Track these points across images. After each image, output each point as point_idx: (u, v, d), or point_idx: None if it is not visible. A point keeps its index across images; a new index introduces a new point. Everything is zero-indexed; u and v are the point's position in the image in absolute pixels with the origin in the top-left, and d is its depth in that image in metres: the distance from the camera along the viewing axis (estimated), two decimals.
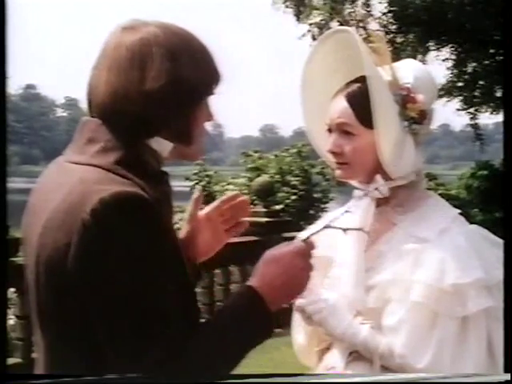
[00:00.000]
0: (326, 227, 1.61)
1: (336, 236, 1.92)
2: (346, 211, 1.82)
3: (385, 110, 1.77)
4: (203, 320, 1.41)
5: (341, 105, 1.82)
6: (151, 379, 1.28)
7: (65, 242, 1.28)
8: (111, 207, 1.27)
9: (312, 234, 1.53)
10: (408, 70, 1.85)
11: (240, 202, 1.68)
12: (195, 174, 17.07)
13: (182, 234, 1.65)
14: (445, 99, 13.55)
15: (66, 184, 1.34)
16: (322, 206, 16.80)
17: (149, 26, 1.42)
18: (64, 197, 1.32)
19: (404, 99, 1.81)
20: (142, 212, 1.30)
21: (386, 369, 1.74)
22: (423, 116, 1.82)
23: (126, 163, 1.36)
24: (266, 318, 1.38)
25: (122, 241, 1.27)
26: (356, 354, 1.79)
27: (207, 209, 1.67)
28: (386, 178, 1.81)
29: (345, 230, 1.62)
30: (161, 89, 1.37)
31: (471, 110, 14.08)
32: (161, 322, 1.29)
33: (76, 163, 1.38)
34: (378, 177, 1.81)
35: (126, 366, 1.27)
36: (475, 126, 14.21)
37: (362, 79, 1.78)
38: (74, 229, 1.28)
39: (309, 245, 1.47)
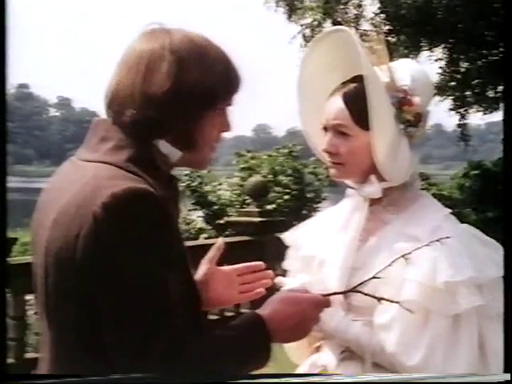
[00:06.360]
0: (353, 291, 1.64)
1: (327, 236, 1.93)
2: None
3: (381, 112, 1.77)
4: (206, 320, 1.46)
5: (337, 105, 1.82)
6: (154, 379, 1.29)
7: (75, 233, 1.31)
8: (123, 202, 1.31)
9: (336, 294, 1.63)
10: (405, 71, 1.84)
11: (264, 273, 1.73)
12: (186, 175, 17.03)
13: (197, 275, 1.67)
14: (437, 99, 13.58)
15: (79, 180, 1.37)
16: (315, 205, 16.80)
17: (167, 32, 1.45)
18: (76, 192, 1.35)
19: (401, 102, 1.81)
20: (153, 208, 1.33)
21: (377, 366, 1.74)
22: (419, 119, 1.83)
23: (138, 162, 1.40)
24: (265, 349, 1.43)
25: (131, 235, 1.30)
26: (347, 353, 1.80)
27: (230, 267, 1.72)
28: (380, 178, 1.82)
29: (379, 299, 1.61)
30: (164, 94, 1.39)
31: (463, 110, 14.11)
32: (166, 317, 1.31)
33: (89, 161, 1.42)
34: (373, 177, 1.82)
35: (130, 360, 1.29)
36: (462, 126, 14.25)
37: (358, 79, 1.78)
38: (84, 221, 1.31)
39: (326, 301, 1.56)
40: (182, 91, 1.40)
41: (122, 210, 1.30)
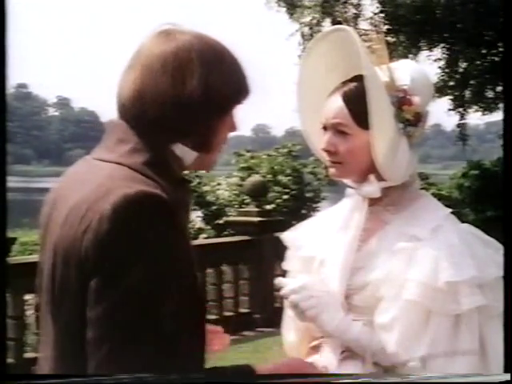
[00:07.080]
0: None
1: (327, 236, 1.92)
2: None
3: (381, 111, 1.77)
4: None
5: (337, 104, 1.82)
6: (157, 379, 1.29)
7: (83, 230, 1.31)
8: (133, 204, 1.30)
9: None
10: (405, 71, 1.85)
11: (222, 335, 1.76)
12: (185, 175, 16.98)
13: None
14: (436, 98, 13.59)
15: (93, 179, 1.38)
16: (314, 205, 16.84)
17: (184, 34, 1.45)
18: (90, 191, 1.35)
19: (400, 101, 1.81)
20: (162, 214, 1.33)
21: (378, 366, 1.74)
22: (418, 118, 1.83)
23: (153, 165, 1.40)
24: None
25: (135, 236, 1.29)
26: (348, 353, 1.80)
27: None
28: (380, 178, 1.82)
29: None
30: (193, 97, 1.40)
31: (462, 109, 14.12)
32: (171, 319, 1.30)
33: (105, 161, 1.42)
34: (372, 177, 1.82)
35: (139, 361, 1.29)
36: (462, 126, 14.27)
37: (358, 78, 1.78)
38: (92, 218, 1.31)
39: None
40: (210, 94, 1.41)
41: (131, 212, 1.30)
